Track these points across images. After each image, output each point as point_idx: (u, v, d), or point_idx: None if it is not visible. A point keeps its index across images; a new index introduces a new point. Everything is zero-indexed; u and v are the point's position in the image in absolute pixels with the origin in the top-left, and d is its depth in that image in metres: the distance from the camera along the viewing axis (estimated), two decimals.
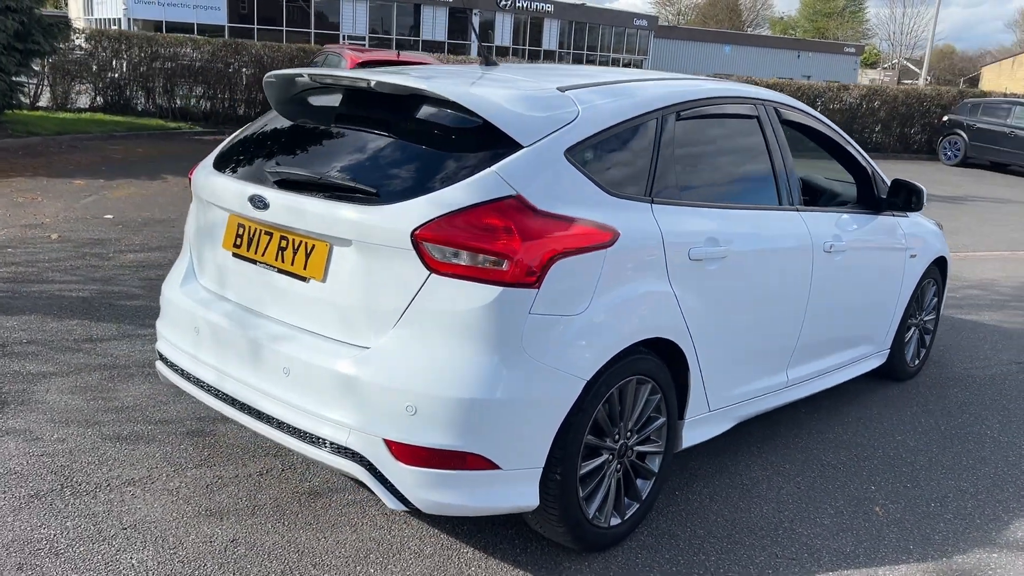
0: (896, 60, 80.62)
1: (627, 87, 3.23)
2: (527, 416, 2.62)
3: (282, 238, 2.87)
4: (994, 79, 65.85)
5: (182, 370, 3.17)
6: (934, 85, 36.38)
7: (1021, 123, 19.04)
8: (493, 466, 2.60)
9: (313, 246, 2.78)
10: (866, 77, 70.40)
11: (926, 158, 21.40)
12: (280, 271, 2.88)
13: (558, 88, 3.02)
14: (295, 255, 2.83)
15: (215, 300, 3.12)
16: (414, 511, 2.69)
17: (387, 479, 2.61)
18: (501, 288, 2.51)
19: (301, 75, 3.18)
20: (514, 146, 2.69)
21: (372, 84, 2.92)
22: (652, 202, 3.01)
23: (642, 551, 3.06)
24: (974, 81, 68.43)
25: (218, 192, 3.09)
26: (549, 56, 45.32)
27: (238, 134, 3.38)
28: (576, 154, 2.81)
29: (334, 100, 3.15)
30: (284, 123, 3.22)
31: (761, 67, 54.16)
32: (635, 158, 3.05)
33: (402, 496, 2.61)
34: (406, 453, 2.57)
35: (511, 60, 18.41)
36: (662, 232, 2.97)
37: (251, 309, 2.98)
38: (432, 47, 40.71)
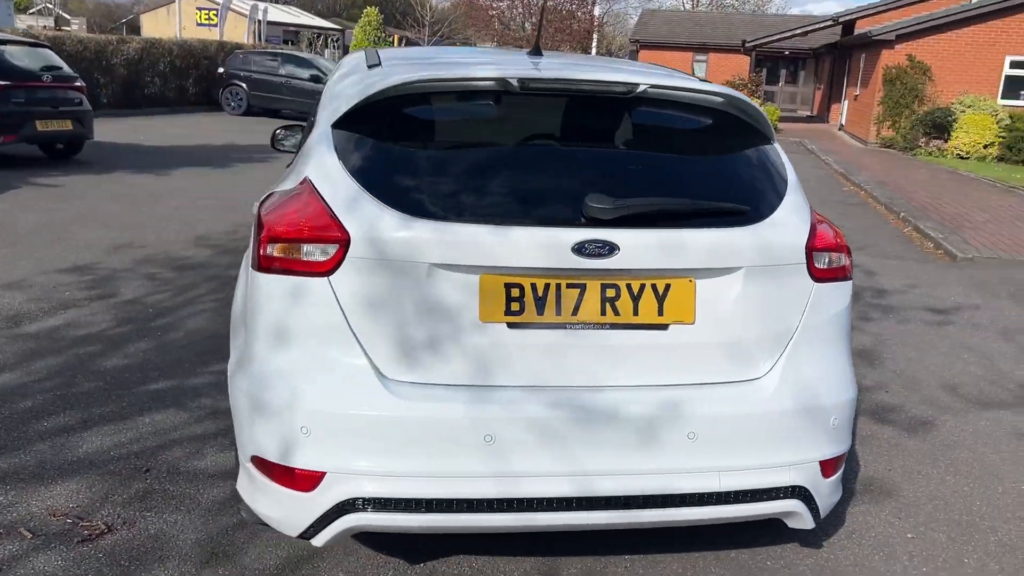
0: (47, 4, 76.37)
1: None
2: None
3: (606, 287, 2.33)
4: (154, 27, 67.76)
5: (469, 501, 2.29)
6: (103, 34, 35.71)
7: (293, 73, 20.86)
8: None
9: (667, 286, 2.37)
10: (23, 23, 65.03)
11: (209, 109, 21.77)
12: (614, 327, 2.35)
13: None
14: (636, 303, 2.36)
15: (487, 392, 2.31)
16: (816, 525, 2.66)
17: (814, 501, 2.57)
18: (849, 282, 2.67)
19: (510, 82, 2.45)
20: (769, 141, 2.75)
21: (641, 90, 2.50)
22: None
23: (870, 506, 3.33)
24: (134, 28, 69.59)
25: (479, 247, 2.26)
26: None
27: (399, 166, 2.42)
28: None
29: (536, 109, 2.58)
30: (483, 144, 2.53)
31: None
32: None
33: (819, 512, 2.61)
34: (831, 467, 2.62)
35: None
36: None
37: (574, 386, 2.35)
38: None
